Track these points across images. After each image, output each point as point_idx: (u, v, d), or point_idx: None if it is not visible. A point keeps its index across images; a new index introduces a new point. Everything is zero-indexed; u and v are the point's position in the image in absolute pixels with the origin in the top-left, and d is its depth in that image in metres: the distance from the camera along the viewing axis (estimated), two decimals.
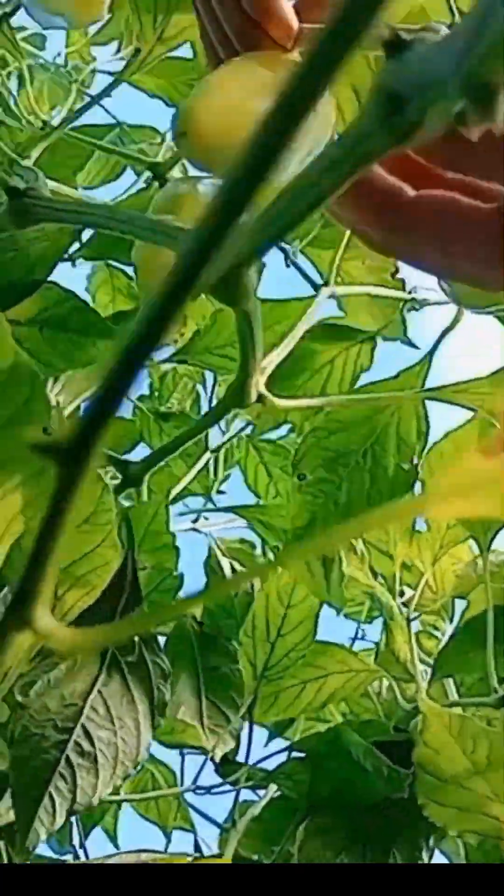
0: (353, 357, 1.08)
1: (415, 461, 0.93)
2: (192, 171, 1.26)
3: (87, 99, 1.23)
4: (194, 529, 1.42)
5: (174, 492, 1.29)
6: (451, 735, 0.89)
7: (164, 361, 1.26)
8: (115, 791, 1.18)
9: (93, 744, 0.77)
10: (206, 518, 1.46)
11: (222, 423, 1.37)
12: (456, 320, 0.96)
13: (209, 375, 1.39)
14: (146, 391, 1.45)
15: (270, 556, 1.30)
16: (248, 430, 1.42)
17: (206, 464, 1.39)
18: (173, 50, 0.96)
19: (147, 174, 1.19)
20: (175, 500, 1.39)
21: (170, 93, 1.14)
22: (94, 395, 0.26)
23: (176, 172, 1.01)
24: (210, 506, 1.49)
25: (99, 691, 0.78)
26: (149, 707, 0.80)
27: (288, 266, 1.06)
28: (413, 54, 0.29)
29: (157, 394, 1.45)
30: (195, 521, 1.44)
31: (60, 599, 0.71)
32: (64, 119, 1.08)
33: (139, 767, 1.26)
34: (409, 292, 1.19)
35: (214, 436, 1.39)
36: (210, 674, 1.12)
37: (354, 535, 0.85)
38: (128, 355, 0.26)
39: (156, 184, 1.00)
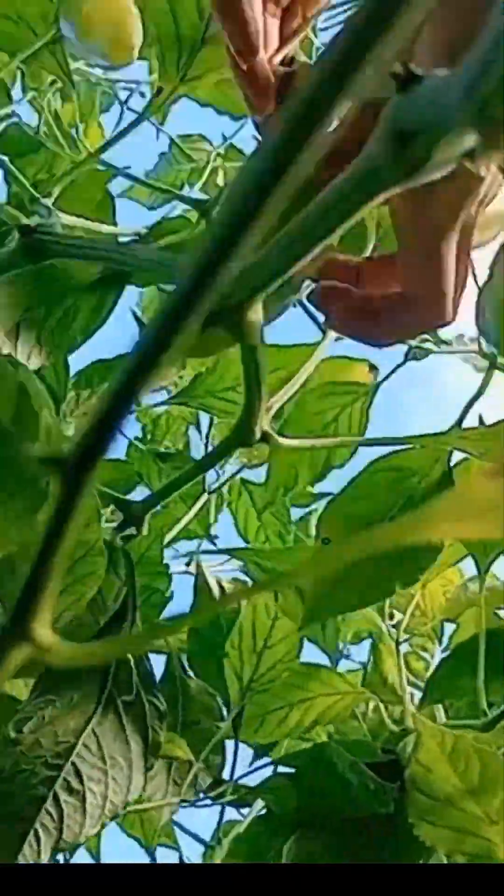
0: (359, 409, 1.08)
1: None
2: None
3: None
4: (188, 573, 1.42)
5: (174, 532, 1.29)
6: (443, 754, 0.89)
7: (165, 403, 1.27)
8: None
9: (82, 782, 0.77)
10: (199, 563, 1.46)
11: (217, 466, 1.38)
12: (483, 387, 0.94)
13: (203, 417, 1.40)
14: (139, 433, 1.46)
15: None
16: (242, 473, 1.42)
17: (205, 505, 1.39)
18: (195, 90, 0.97)
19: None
20: (173, 541, 1.39)
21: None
22: (97, 410, 0.27)
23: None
24: (206, 546, 1.49)
25: (93, 730, 0.78)
26: (142, 748, 0.79)
27: (294, 306, 1.07)
28: (423, 88, 0.29)
29: (150, 436, 1.45)
30: (188, 563, 1.44)
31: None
32: (100, 147, 1.09)
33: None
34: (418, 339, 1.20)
35: (209, 477, 1.40)
36: (188, 728, 1.12)
37: (375, 599, 0.84)
38: (135, 367, 0.26)
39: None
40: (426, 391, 0.96)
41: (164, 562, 1.00)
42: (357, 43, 0.23)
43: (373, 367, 1.08)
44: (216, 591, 1.21)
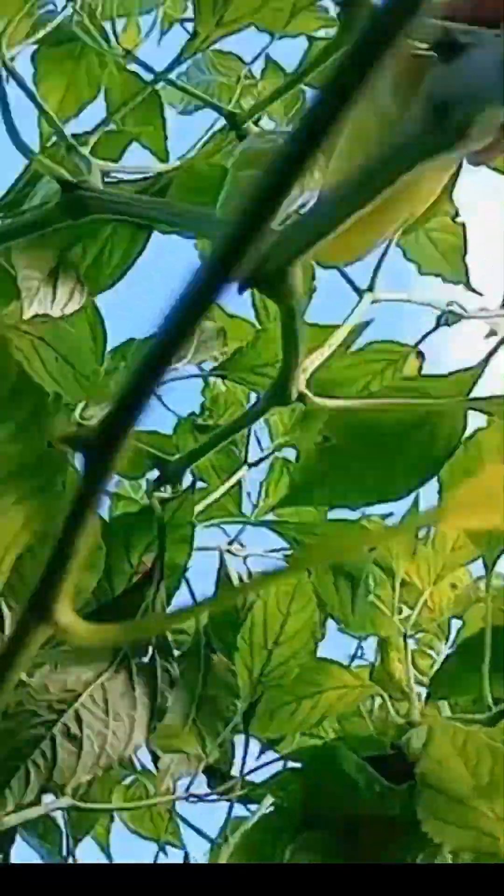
0: (389, 377, 1.07)
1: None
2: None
3: None
4: (230, 552, 1.41)
5: (208, 500, 1.28)
6: (455, 749, 0.88)
7: (206, 375, 1.26)
8: (107, 799, 1.19)
9: (81, 729, 0.77)
10: (243, 545, 1.45)
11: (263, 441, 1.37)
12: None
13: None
14: (197, 409, 1.45)
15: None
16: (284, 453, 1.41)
17: (240, 480, 1.37)
18: (232, 34, 0.96)
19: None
20: (209, 518, 1.38)
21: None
22: (123, 388, 0.26)
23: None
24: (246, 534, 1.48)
25: (102, 683, 0.78)
26: (149, 708, 0.80)
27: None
28: (464, 59, 0.28)
29: (207, 412, 1.44)
30: (230, 542, 1.43)
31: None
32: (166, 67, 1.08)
33: (132, 777, 1.27)
34: (448, 304, 1.19)
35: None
36: (205, 700, 1.12)
37: (369, 542, 0.83)
38: (162, 342, 0.26)
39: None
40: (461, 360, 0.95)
41: (192, 525, 0.99)
42: None
43: (419, 354, 1.06)
44: (235, 580, 1.20)
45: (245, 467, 1.37)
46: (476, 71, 0.28)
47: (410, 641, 1.26)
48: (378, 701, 1.25)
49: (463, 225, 1.21)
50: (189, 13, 1.38)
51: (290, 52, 1.25)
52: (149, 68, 1.17)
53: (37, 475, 0.56)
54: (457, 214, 1.19)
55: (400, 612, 1.27)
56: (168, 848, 1.31)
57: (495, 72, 0.27)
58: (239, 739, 1.17)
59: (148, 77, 1.17)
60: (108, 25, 1.26)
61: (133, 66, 1.21)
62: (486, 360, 0.92)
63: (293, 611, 1.11)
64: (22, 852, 1.12)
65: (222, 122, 1.04)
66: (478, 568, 1.23)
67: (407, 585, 1.27)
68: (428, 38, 0.28)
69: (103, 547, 0.72)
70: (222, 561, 1.20)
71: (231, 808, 1.16)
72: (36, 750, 0.75)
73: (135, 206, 0.61)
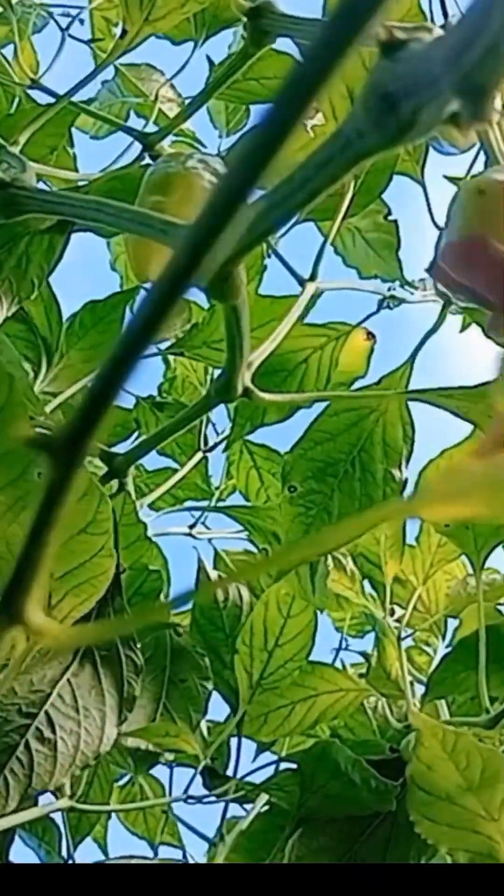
0: (329, 353, 1.08)
1: (402, 466, 0.92)
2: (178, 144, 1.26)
3: None
4: (190, 535, 1.42)
5: (164, 488, 1.29)
6: (444, 751, 0.89)
7: (158, 354, 1.26)
8: (105, 801, 1.19)
9: (54, 731, 0.77)
10: (208, 527, 1.47)
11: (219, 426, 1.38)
12: (439, 322, 0.96)
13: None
14: (154, 391, 1.45)
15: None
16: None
17: (199, 463, 1.38)
18: (160, 30, 0.95)
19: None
20: (172, 504, 1.39)
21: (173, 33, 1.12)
22: (89, 390, 0.26)
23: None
24: (210, 516, 1.48)
25: (68, 680, 0.78)
26: (117, 700, 0.80)
27: (269, 256, 1.06)
28: (407, 54, 0.29)
29: (164, 395, 1.44)
30: (192, 526, 1.44)
31: (55, 608, 0.70)
32: (71, 89, 1.07)
33: (128, 778, 1.27)
34: (388, 289, 1.21)
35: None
36: (175, 684, 1.12)
37: (345, 539, 0.84)
38: (124, 350, 0.26)
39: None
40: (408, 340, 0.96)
41: (144, 525, 0.99)
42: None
43: (370, 335, 1.08)
44: (213, 576, 1.20)
45: (200, 452, 1.37)
46: (418, 65, 0.28)
47: (407, 640, 1.27)
48: (377, 701, 1.25)
49: (395, 223, 1.23)
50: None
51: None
52: (53, 93, 1.16)
53: (12, 468, 0.56)
54: (388, 213, 1.21)
55: (392, 612, 1.27)
56: (165, 849, 1.31)
57: (437, 65, 0.27)
58: (233, 740, 1.18)
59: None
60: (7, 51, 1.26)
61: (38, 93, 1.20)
62: (414, 355, 0.94)
63: (293, 613, 1.11)
64: (20, 854, 1.12)
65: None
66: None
67: (399, 584, 1.28)
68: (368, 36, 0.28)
69: (114, 554, 0.72)
70: (200, 562, 1.19)
71: (227, 808, 1.16)
72: (12, 758, 0.75)
73: (70, 205, 0.61)
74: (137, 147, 1.03)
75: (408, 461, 0.92)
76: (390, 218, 1.21)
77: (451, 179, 1.13)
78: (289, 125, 0.24)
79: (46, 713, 0.76)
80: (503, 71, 0.27)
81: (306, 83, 0.23)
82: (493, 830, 0.88)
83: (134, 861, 0.94)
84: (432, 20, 0.95)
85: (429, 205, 1.08)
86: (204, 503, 1.47)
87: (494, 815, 0.88)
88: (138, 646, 0.80)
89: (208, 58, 1.22)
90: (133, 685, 0.79)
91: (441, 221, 1.04)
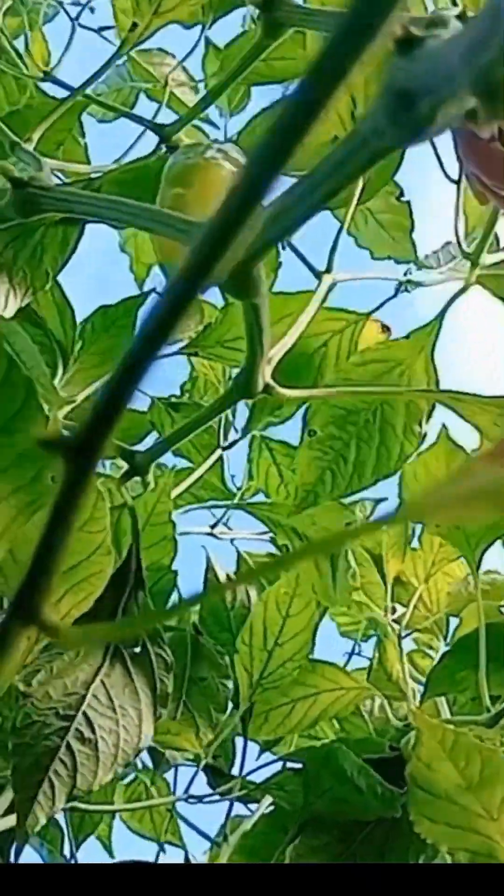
0: (349, 336, 1.08)
1: (423, 422, 0.93)
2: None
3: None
4: (211, 534, 1.42)
5: (183, 486, 1.29)
6: (444, 750, 0.88)
7: (173, 354, 1.26)
8: (108, 801, 1.19)
9: (94, 731, 0.77)
10: (230, 528, 1.47)
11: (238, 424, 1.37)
12: (464, 288, 0.95)
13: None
14: (177, 391, 1.45)
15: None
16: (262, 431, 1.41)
17: (217, 462, 1.38)
18: (169, 24, 0.95)
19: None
20: (192, 503, 1.39)
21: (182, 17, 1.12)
22: (103, 390, 0.26)
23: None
24: (232, 515, 1.48)
25: (101, 681, 0.78)
26: (151, 697, 0.80)
27: (284, 248, 1.06)
28: (424, 51, 0.28)
29: (187, 395, 1.44)
30: (213, 526, 1.44)
31: (54, 607, 0.70)
32: (84, 83, 1.07)
33: (132, 777, 1.27)
34: (405, 273, 1.21)
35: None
36: (195, 683, 1.12)
37: (353, 537, 0.85)
38: (138, 350, 0.26)
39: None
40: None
41: (173, 524, 0.99)
42: None
43: (385, 328, 1.07)
44: (222, 574, 1.20)
45: (219, 450, 1.37)
46: (434, 62, 0.28)
47: (409, 641, 1.27)
48: (378, 701, 1.25)
49: (408, 203, 1.22)
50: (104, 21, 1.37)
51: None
52: (66, 86, 1.15)
53: (25, 470, 0.56)
54: (401, 194, 1.21)
55: (394, 611, 1.27)
56: (168, 849, 1.31)
57: (454, 62, 0.27)
58: (239, 739, 1.18)
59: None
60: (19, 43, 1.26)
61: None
62: (442, 314, 0.94)
63: (293, 612, 1.11)
64: (23, 854, 1.12)
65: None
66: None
67: (400, 584, 1.28)
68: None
69: (112, 552, 0.72)
70: (209, 561, 1.19)
71: (231, 807, 1.16)
72: (55, 760, 0.75)
73: (87, 203, 0.61)
74: (149, 133, 1.03)
75: (428, 418, 0.92)
76: (403, 199, 1.21)
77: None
78: (309, 120, 0.24)
79: (84, 714, 0.77)
80: None
81: (328, 75, 0.23)
82: (492, 830, 0.88)
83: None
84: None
85: (439, 159, 1.07)
86: (226, 503, 1.46)
87: (494, 815, 0.87)
88: (166, 644, 0.80)
89: (214, 45, 1.21)
90: (165, 682, 0.79)
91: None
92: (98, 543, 0.72)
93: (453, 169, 1.02)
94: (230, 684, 1.14)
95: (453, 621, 1.34)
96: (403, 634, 1.24)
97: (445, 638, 1.36)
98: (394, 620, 1.26)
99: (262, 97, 1.38)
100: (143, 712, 0.79)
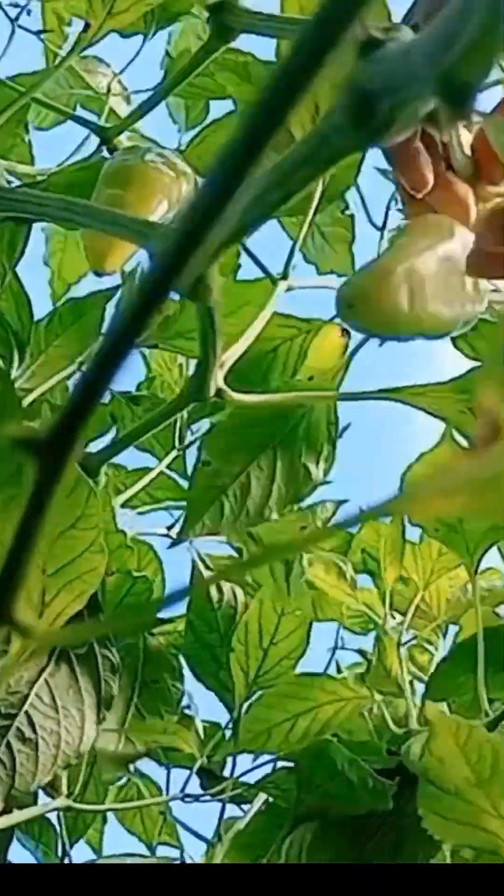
0: (299, 345, 1.08)
1: (319, 465, 0.93)
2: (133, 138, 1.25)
3: None
4: (167, 536, 1.41)
5: (139, 486, 1.28)
6: (457, 744, 0.89)
7: (137, 346, 1.25)
8: (101, 801, 1.19)
9: (35, 731, 0.77)
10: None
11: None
12: None
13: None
14: (140, 381, 1.44)
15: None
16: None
17: (176, 461, 1.37)
18: (121, 23, 0.95)
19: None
20: (150, 503, 1.38)
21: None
22: (74, 391, 0.26)
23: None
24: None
25: (45, 680, 0.78)
26: (95, 699, 0.80)
27: (239, 255, 1.06)
28: (385, 53, 0.29)
29: (146, 389, 1.43)
30: (170, 527, 1.43)
31: (48, 606, 0.70)
32: (34, 83, 1.06)
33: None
34: None
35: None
36: (147, 686, 1.12)
37: (325, 537, 0.85)
38: (106, 353, 0.26)
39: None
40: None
41: (121, 529, 0.99)
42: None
43: (345, 332, 1.08)
44: (206, 574, 1.20)
45: (174, 451, 1.36)
46: (395, 64, 0.28)
47: (407, 636, 1.28)
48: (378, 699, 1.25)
49: (351, 217, 1.23)
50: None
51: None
52: (11, 87, 1.14)
53: (4, 466, 0.56)
54: (346, 207, 1.21)
55: (394, 616, 1.28)
56: (162, 849, 1.31)
57: (416, 64, 0.27)
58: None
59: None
60: None
61: None
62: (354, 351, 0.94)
63: (288, 610, 1.11)
64: (17, 854, 1.11)
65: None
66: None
67: (402, 587, 1.28)
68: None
69: (105, 550, 0.71)
70: (194, 563, 1.19)
71: (224, 808, 1.16)
72: None
73: (40, 203, 0.61)
74: (91, 141, 1.03)
75: (327, 460, 0.92)
76: (347, 213, 1.22)
77: (384, 172, 1.13)
78: (274, 125, 0.24)
79: (26, 713, 0.76)
80: (483, 69, 0.27)
81: (291, 82, 0.23)
82: (498, 827, 0.88)
83: (130, 861, 0.93)
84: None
85: (365, 206, 1.08)
86: (183, 503, 1.46)
87: (501, 812, 0.88)
88: (113, 646, 0.80)
89: (167, 51, 1.22)
90: (111, 684, 0.79)
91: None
92: (90, 541, 0.71)
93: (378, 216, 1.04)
94: (182, 686, 1.14)
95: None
96: (404, 642, 1.24)
97: (444, 634, 1.36)
98: (395, 623, 1.27)
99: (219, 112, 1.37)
100: (86, 714, 0.79)
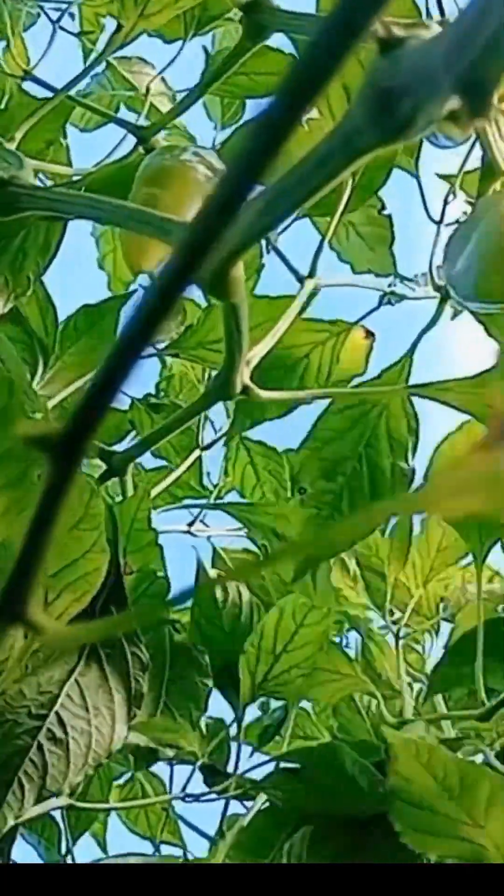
0: (331, 349, 1.08)
1: (409, 458, 0.93)
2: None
3: None
4: (189, 532, 1.42)
5: (161, 486, 1.28)
6: (420, 765, 0.88)
7: (157, 354, 1.26)
8: (104, 799, 1.19)
9: (66, 731, 0.77)
10: (207, 525, 1.46)
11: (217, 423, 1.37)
12: (437, 316, 0.96)
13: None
14: (152, 390, 1.44)
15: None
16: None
17: (196, 462, 1.38)
18: (154, 25, 0.95)
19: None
20: (170, 502, 1.39)
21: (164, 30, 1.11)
22: (88, 389, 0.26)
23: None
24: (208, 513, 1.47)
25: (76, 680, 0.78)
26: (125, 697, 0.79)
27: (268, 252, 1.06)
28: (405, 51, 0.29)
29: (162, 394, 1.44)
30: (191, 524, 1.44)
31: (51, 605, 0.70)
32: (68, 83, 1.06)
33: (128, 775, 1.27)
34: (389, 285, 1.21)
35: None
36: (174, 682, 1.11)
37: (352, 538, 0.84)
38: (122, 349, 0.26)
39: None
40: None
41: (153, 527, 0.99)
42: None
43: (369, 334, 1.08)
44: (212, 574, 1.20)
45: (198, 450, 1.37)
46: (416, 62, 0.28)
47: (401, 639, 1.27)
48: (374, 698, 1.25)
49: (389, 217, 1.23)
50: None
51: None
52: (48, 86, 1.15)
53: (11, 468, 0.56)
54: (383, 207, 1.21)
55: (392, 613, 1.27)
56: (166, 848, 1.31)
57: (436, 62, 0.27)
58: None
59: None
60: None
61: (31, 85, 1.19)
62: (412, 349, 0.94)
63: (307, 622, 1.10)
64: (20, 851, 1.12)
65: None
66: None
67: (398, 587, 1.28)
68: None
69: (107, 550, 0.71)
70: (199, 562, 1.19)
71: (227, 805, 1.16)
72: (25, 760, 0.75)
73: (68, 202, 0.61)
74: (130, 141, 1.03)
75: (414, 453, 0.92)
76: (384, 212, 1.22)
77: (445, 177, 1.13)
78: (290, 122, 0.24)
79: (57, 714, 0.76)
80: (502, 66, 0.27)
81: (309, 79, 0.23)
82: (479, 836, 0.87)
83: (133, 860, 0.93)
84: (429, 16, 0.96)
85: (423, 198, 1.08)
86: (202, 502, 1.46)
87: (480, 822, 0.87)
88: (142, 643, 0.79)
89: (205, 48, 1.22)
90: (140, 682, 0.79)
91: (435, 214, 1.05)
92: (93, 541, 0.71)
93: (436, 210, 1.04)
94: (209, 682, 1.14)
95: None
96: (401, 636, 1.24)
97: (437, 633, 1.35)
98: (392, 622, 1.26)
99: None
100: (116, 712, 0.79)
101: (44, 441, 0.27)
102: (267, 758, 1.18)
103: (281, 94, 0.23)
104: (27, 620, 0.29)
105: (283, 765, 1.08)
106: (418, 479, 0.94)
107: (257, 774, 1.14)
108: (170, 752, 1.13)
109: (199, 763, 1.13)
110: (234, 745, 1.17)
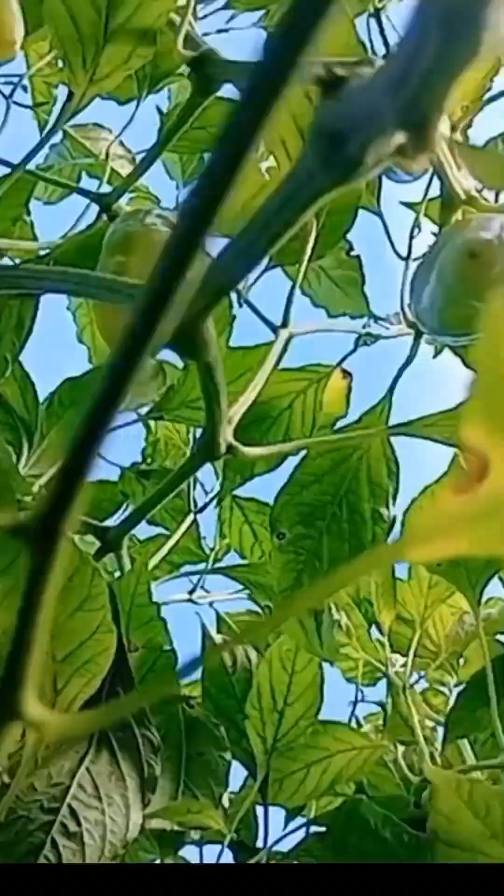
0: (312, 396, 1.08)
1: (390, 504, 0.92)
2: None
3: None
4: (190, 601, 1.40)
5: (159, 556, 1.27)
6: (461, 800, 0.87)
7: (139, 420, 1.25)
8: None
9: (79, 824, 0.75)
10: (207, 591, 1.45)
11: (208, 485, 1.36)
12: (413, 354, 0.95)
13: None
14: (138, 457, 1.44)
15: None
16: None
17: (192, 526, 1.36)
18: (107, 90, 0.95)
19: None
20: (168, 571, 1.37)
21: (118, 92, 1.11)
22: (59, 467, 0.26)
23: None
24: (208, 577, 1.46)
25: (87, 769, 0.76)
26: (138, 783, 0.78)
27: (241, 305, 1.06)
28: (349, 91, 0.28)
29: (150, 459, 1.43)
30: (191, 591, 1.42)
31: (61, 692, 0.69)
32: (26, 156, 1.06)
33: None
34: (364, 326, 1.21)
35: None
36: (193, 760, 1.10)
37: (335, 587, 0.84)
38: (90, 420, 0.25)
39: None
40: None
41: (155, 601, 0.98)
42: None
43: (346, 373, 1.07)
44: (218, 640, 1.19)
45: (191, 514, 1.36)
46: (360, 100, 0.28)
47: (421, 682, 1.25)
48: (401, 749, 1.23)
49: (358, 258, 1.23)
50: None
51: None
52: (6, 163, 1.15)
53: (2, 555, 0.55)
54: (350, 249, 1.21)
55: (394, 661, 1.26)
56: None
57: (378, 99, 0.27)
58: (260, 809, 1.15)
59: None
60: None
61: None
62: (391, 389, 0.94)
63: (297, 669, 1.09)
64: None
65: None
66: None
67: (401, 626, 1.27)
68: (307, 76, 0.28)
69: (114, 629, 0.70)
70: (204, 630, 1.18)
71: None
72: (39, 859, 0.73)
73: (34, 277, 0.60)
74: (94, 208, 1.03)
75: (394, 498, 0.92)
76: (353, 254, 1.22)
77: (409, 205, 1.13)
78: (231, 172, 0.23)
79: (69, 806, 0.74)
80: (443, 98, 0.26)
81: (243, 127, 0.23)
82: None
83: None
84: (374, 52, 0.96)
85: (389, 236, 1.08)
86: (200, 566, 1.45)
87: None
88: (153, 724, 0.78)
89: (157, 108, 1.22)
90: (153, 765, 0.77)
91: (400, 249, 1.05)
92: (98, 622, 0.70)
93: (402, 245, 1.04)
94: (228, 756, 1.12)
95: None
96: (415, 679, 1.22)
97: (456, 673, 1.33)
98: (399, 666, 1.25)
99: None
100: (130, 799, 0.77)
101: (19, 530, 0.26)
102: (296, 822, 1.16)
103: (219, 145, 0.22)
104: (23, 716, 0.28)
105: (312, 829, 1.07)
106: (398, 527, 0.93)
107: (286, 845, 1.13)
108: (195, 834, 1.11)
109: (226, 841, 1.11)
110: (260, 811, 1.15)
